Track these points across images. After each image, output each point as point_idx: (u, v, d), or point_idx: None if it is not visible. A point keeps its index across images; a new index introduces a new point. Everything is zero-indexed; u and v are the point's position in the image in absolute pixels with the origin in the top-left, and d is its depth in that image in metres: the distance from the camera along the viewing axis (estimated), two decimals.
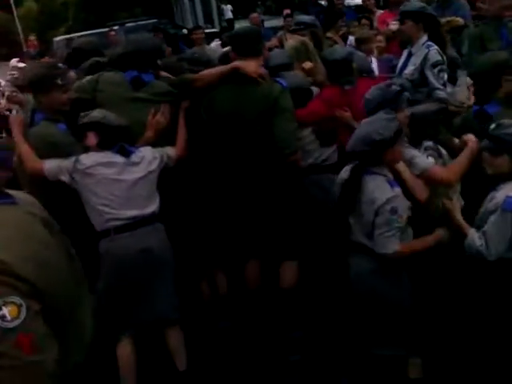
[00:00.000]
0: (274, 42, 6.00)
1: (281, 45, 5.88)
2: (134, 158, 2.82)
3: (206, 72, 3.15)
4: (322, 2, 11.39)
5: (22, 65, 7.06)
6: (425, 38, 3.88)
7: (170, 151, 2.99)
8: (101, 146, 2.79)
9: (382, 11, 7.05)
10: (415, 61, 3.86)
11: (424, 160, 2.70)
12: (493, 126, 2.50)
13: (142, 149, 2.88)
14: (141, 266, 2.72)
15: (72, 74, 3.44)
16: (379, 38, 5.43)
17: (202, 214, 3.22)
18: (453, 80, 3.81)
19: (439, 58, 3.76)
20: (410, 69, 3.88)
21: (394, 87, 2.75)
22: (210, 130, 3.12)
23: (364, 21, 6.38)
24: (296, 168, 3.15)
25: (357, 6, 9.16)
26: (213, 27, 15.71)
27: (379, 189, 2.44)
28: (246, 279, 3.34)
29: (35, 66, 3.29)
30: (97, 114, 2.83)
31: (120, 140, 2.82)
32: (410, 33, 3.95)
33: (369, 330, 2.64)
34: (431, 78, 3.72)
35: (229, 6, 22.21)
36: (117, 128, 2.82)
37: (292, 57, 3.71)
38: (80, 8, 29.16)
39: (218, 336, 3.32)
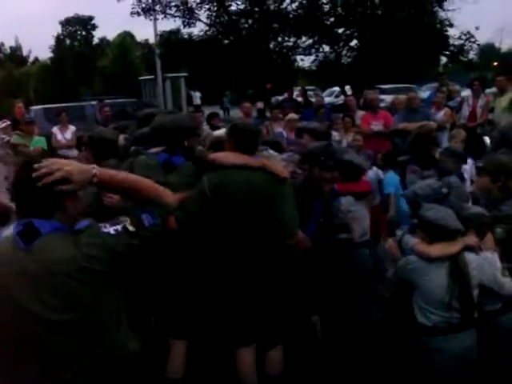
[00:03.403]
0: (263, 130, 6.37)
1: (267, 133, 6.54)
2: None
3: (230, 155, 3.10)
4: (299, 99, 11.98)
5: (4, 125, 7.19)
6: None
7: None
8: None
9: (363, 112, 7.54)
10: None
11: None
12: None
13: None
14: None
15: None
16: (358, 137, 5.83)
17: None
18: None
19: None
20: None
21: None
22: (218, 207, 3.03)
23: (347, 119, 6.91)
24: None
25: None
26: (180, 111, 16.12)
27: None
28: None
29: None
30: None
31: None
32: None
33: None
34: None
35: (198, 93, 22.94)
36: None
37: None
38: (40, 79, 29.25)
39: None
